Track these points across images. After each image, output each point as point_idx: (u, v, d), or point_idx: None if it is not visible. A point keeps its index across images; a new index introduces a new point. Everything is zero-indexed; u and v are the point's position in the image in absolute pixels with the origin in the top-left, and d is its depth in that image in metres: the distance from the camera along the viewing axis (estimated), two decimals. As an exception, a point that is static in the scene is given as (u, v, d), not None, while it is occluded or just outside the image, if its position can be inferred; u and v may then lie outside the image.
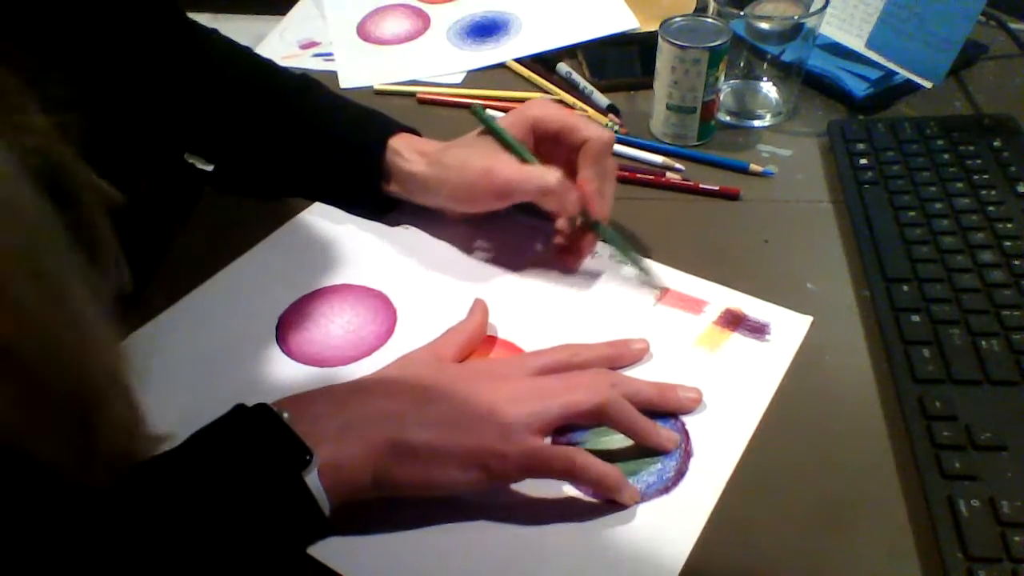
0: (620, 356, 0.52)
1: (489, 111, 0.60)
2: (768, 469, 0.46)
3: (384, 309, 0.57)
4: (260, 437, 0.40)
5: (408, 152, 0.59)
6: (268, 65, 0.66)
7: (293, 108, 0.63)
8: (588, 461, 0.43)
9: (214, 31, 0.66)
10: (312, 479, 0.39)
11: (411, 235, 0.62)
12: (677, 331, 0.54)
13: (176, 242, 0.63)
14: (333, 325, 0.55)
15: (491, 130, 0.57)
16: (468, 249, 0.61)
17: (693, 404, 0.49)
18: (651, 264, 0.58)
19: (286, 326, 0.56)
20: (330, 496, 0.40)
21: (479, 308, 0.54)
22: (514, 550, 0.43)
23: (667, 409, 0.49)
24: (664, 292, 0.57)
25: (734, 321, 0.55)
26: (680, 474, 0.46)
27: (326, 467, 0.40)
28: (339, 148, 0.61)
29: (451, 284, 0.58)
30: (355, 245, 0.62)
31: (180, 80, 0.62)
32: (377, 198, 0.62)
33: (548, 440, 0.47)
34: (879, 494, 0.45)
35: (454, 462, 0.42)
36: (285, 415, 0.41)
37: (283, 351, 0.54)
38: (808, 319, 0.55)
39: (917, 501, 0.44)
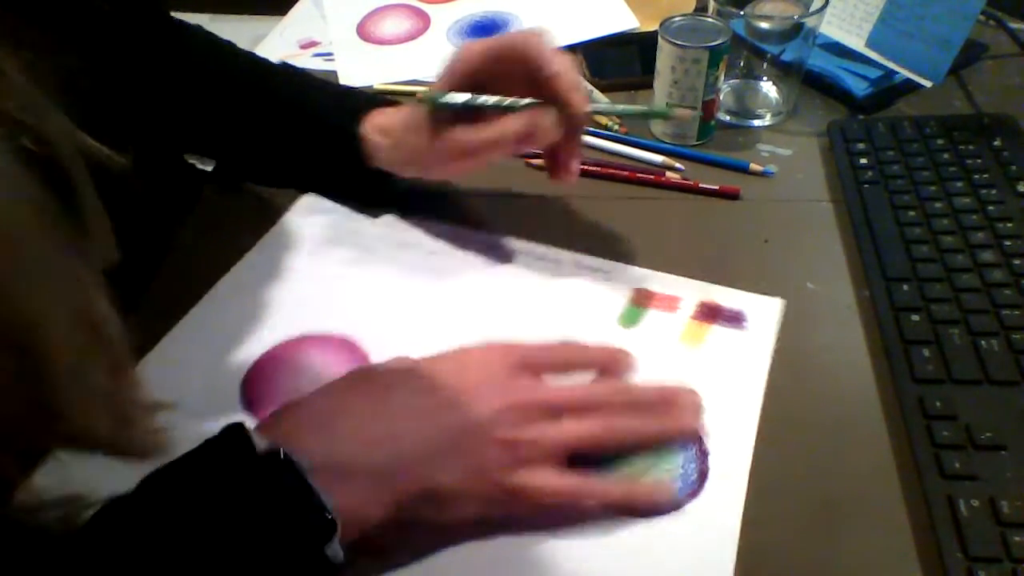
0: (616, 363, 0.49)
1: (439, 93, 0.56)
2: (768, 469, 0.46)
3: (352, 358, 0.53)
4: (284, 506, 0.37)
5: (375, 134, 0.59)
6: (248, 55, 0.66)
7: (273, 96, 0.63)
8: (600, 488, 0.44)
9: (198, 27, 0.66)
10: (333, 549, 0.37)
11: (372, 271, 0.59)
12: (659, 331, 0.54)
13: (176, 242, 0.63)
14: (301, 384, 0.51)
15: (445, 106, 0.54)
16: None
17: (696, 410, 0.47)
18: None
19: (251, 391, 0.51)
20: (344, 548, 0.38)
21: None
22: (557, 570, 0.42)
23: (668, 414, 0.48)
24: (637, 293, 0.57)
25: (711, 314, 0.55)
26: (703, 475, 0.46)
27: (346, 526, 0.38)
28: (318, 126, 0.61)
29: (420, 319, 0.56)
30: (311, 287, 0.58)
31: (160, 73, 0.61)
32: (362, 170, 0.60)
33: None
34: (879, 494, 0.45)
35: (477, 503, 0.42)
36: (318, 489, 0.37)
37: (255, 418, 0.49)
38: (779, 301, 0.55)
39: (917, 501, 0.44)
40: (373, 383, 0.44)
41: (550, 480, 0.43)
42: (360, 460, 0.40)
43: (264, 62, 0.66)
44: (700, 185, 0.65)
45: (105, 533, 0.36)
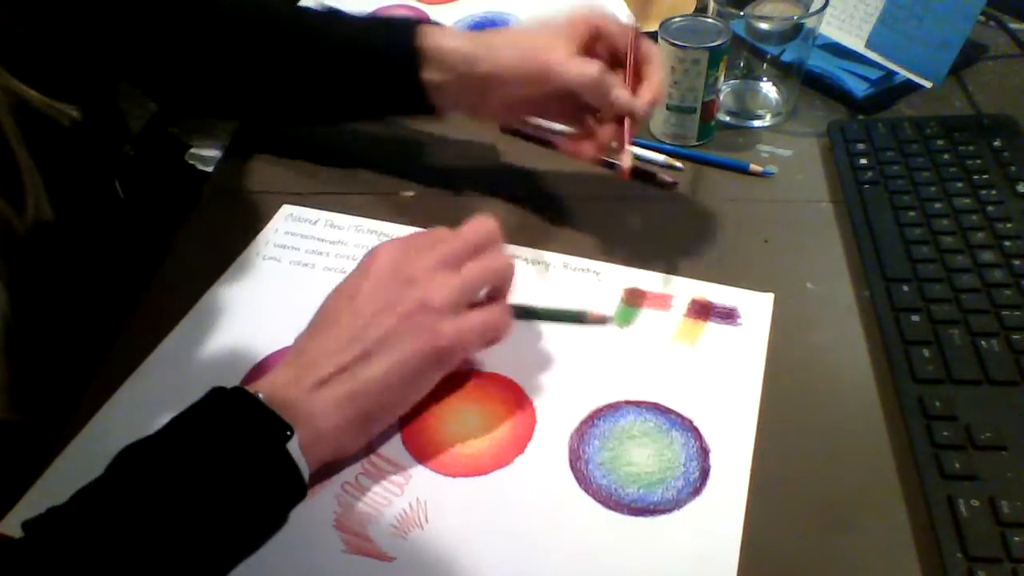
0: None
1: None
2: (769, 470, 0.46)
3: None
4: (243, 417, 0.42)
5: (445, 32, 0.59)
6: (282, 5, 0.67)
7: (317, 31, 0.63)
8: (507, 319, 0.49)
9: None
10: (294, 450, 0.42)
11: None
12: (654, 330, 0.54)
13: (176, 242, 0.63)
14: None
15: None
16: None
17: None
18: (583, 307, 0.56)
19: None
20: (316, 460, 0.43)
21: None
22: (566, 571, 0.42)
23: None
24: (629, 292, 0.57)
25: (703, 311, 0.55)
26: (705, 472, 0.46)
27: (309, 440, 0.42)
28: (369, 42, 0.60)
29: None
30: (298, 295, 0.55)
31: (192, 31, 0.63)
32: (413, 86, 0.60)
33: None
34: (879, 494, 0.45)
35: (415, 372, 0.46)
36: (260, 395, 0.42)
37: None
38: (770, 296, 0.56)
39: (917, 501, 0.44)
40: (312, 329, 0.48)
41: (468, 320, 0.47)
42: (298, 392, 0.44)
43: (299, 9, 0.66)
44: (637, 168, 0.65)
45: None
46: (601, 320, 0.53)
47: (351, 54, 0.61)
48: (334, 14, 0.64)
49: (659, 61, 0.56)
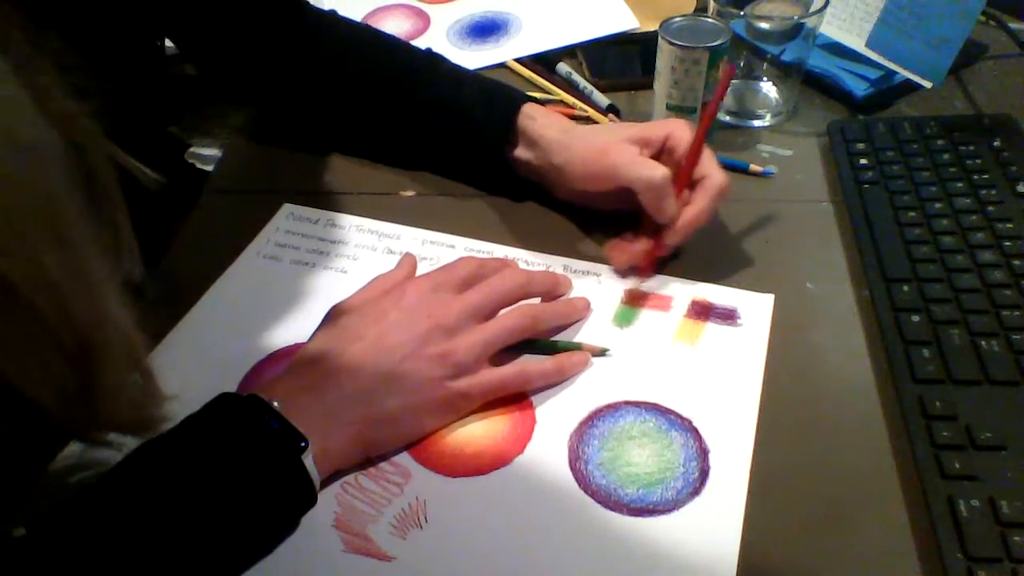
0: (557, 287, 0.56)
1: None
2: (768, 469, 0.46)
3: None
4: (258, 426, 0.43)
5: (542, 117, 0.61)
6: (390, 41, 0.68)
7: (420, 83, 0.65)
8: (536, 369, 0.50)
9: (332, 12, 0.69)
10: (308, 462, 0.42)
11: (360, 280, 0.55)
12: (654, 331, 0.54)
13: (176, 242, 0.63)
14: None
15: None
16: None
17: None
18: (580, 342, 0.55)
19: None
20: (320, 473, 0.44)
21: (408, 260, 0.57)
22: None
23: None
24: (629, 293, 0.57)
25: (703, 312, 0.55)
26: (704, 473, 0.46)
27: (317, 454, 0.43)
28: (471, 111, 0.63)
29: None
30: (300, 295, 0.58)
31: (295, 68, 0.66)
32: (501, 160, 0.63)
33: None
34: (879, 494, 0.45)
35: (426, 414, 0.48)
36: (275, 404, 0.43)
37: None
38: (770, 297, 0.56)
39: (917, 501, 0.44)
40: (331, 337, 0.49)
41: (487, 377, 0.49)
42: (314, 404, 0.45)
43: (406, 56, 0.67)
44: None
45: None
46: (600, 353, 0.53)
47: (448, 114, 0.63)
48: (434, 59, 0.66)
49: (712, 187, 0.56)
